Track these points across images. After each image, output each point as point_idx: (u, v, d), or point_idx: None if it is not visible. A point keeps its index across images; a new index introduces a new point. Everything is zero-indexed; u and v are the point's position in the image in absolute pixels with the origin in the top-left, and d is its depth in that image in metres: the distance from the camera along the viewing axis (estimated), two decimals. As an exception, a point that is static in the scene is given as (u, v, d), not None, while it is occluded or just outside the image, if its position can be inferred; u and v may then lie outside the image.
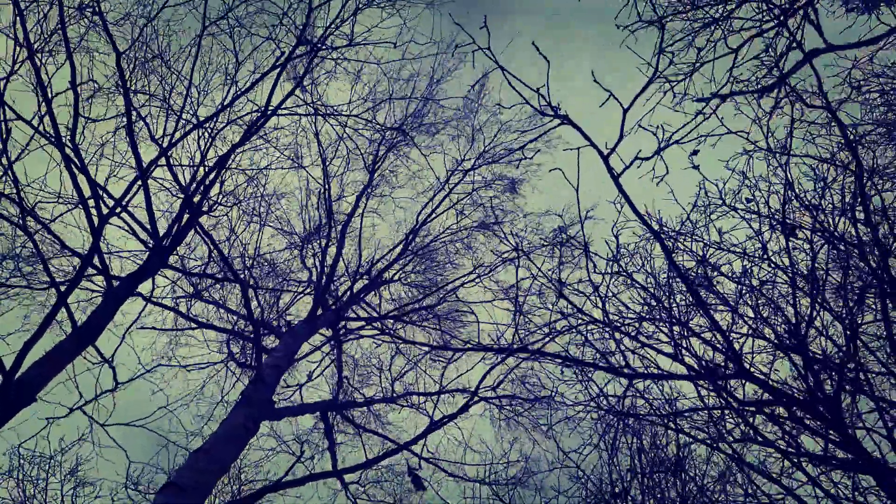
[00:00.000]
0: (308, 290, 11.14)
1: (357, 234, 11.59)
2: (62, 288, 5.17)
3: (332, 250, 10.79)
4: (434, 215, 11.31)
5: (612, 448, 5.35)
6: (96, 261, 5.60)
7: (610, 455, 5.49)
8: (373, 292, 11.34)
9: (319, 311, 9.96)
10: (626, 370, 4.84)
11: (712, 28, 5.09)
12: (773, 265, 4.40)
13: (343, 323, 10.45)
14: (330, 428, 9.18)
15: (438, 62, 10.18)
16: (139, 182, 6.08)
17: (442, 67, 10.56)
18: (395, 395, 10.40)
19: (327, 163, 10.98)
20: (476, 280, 10.71)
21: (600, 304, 4.81)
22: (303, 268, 11.15)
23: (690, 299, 4.45)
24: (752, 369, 4.24)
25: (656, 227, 4.58)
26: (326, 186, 10.92)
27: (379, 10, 7.15)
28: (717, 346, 4.39)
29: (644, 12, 5.23)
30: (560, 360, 4.94)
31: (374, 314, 11.00)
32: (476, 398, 7.45)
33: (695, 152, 4.34)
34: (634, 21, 4.99)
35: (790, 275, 4.24)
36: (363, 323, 10.66)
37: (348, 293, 10.90)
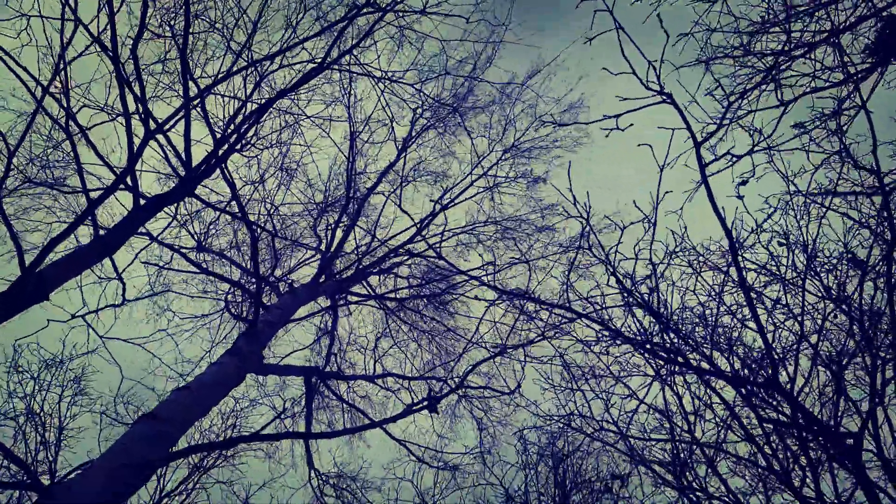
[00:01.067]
0: (315, 258, 11.15)
1: (373, 212, 11.63)
2: (93, 195, 5.17)
3: (345, 223, 10.81)
4: (453, 203, 11.31)
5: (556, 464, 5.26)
6: (129, 179, 5.61)
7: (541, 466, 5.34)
8: (378, 272, 11.34)
9: (322, 280, 9.97)
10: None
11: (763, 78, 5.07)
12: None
13: (343, 295, 10.46)
14: (311, 392, 9.17)
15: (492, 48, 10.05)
16: (182, 111, 6.09)
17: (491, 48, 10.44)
18: (376, 374, 10.41)
19: (357, 136, 10.99)
20: (485, 276, 10.73)
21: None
22: (313, 235, 11.16)
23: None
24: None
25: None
26: (352, 159, 10.93)
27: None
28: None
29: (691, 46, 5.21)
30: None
31: (374, 293, 11.00)
32: (452, 390, 7.47)
33: (744, 182, 4.35)
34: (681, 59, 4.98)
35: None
36: (361, 299, 10.66)
37: (355, 267, 10.91)
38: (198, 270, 9.75)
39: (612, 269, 4.39)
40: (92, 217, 5.31)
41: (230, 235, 9.80)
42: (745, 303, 4.20)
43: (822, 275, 4.21)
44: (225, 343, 10.33)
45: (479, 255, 11.78)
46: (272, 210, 9.89)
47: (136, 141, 5.43)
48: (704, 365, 4.04)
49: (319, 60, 6.32)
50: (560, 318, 4.56)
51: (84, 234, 7.75)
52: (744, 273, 4.00)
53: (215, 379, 7.56)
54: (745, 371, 3.97)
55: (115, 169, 5.47)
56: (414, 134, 11.15)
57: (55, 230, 7.35)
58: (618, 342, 4.36)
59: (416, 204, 14.20)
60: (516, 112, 11.46)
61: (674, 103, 4.32)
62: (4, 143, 4.92)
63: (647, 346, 4.15)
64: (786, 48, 4.76)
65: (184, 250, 9.46)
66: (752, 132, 4.45)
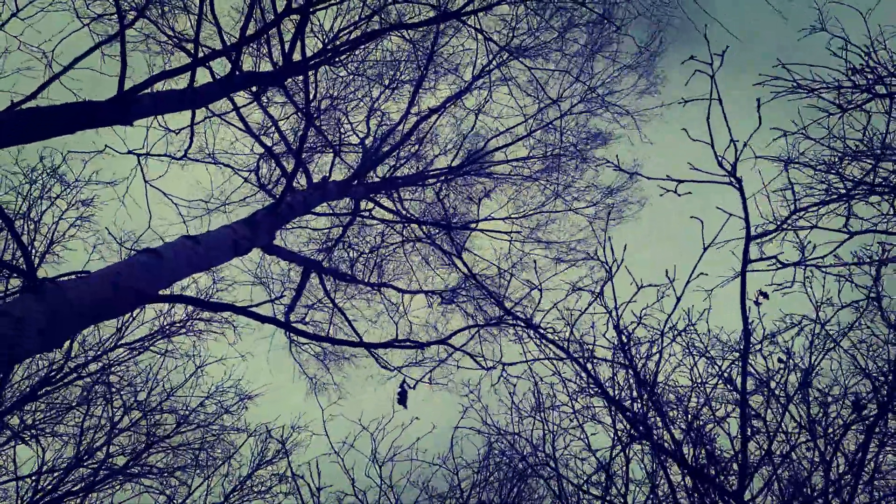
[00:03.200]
0: (357, 152, 11.20)
1: (427, 130, 11.54)
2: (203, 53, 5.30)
3: (398, 135, 10.78)
4: (505, 153, 11.25)
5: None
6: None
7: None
8: (412, 188, 11.42)
9: (356, 183, 10.08)
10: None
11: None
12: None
13: (370, 205, 10.59)
14: (303, 285, 9.47)
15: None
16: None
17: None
18: (375, 282, 10.70)
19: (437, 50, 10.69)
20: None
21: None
22: (365, 131, 11.14)
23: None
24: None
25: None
26: (424, 72, 10.72)
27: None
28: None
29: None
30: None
31: (401, 209, 11.11)
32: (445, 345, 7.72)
33: (764, 295, 4.34)
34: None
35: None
36: (385, 214, 10.80)
37: (389, 174, 10.97)
38: (245, 130, 9.83)
39: (616, 323, 4.49)
40: (193, 68, 5.42)
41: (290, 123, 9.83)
42: (736, 403, 4.30)
43: (808, 403, 4.30)
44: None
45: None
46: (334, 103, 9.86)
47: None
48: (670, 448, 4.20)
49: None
50: (550, 351, 4.70)
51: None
52: (746, 380, 4.10)
53: (224, 240, 7.73)
54: (712, 469, 4.11)
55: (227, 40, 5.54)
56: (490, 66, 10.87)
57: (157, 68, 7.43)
58: (594, 390, 4.52)
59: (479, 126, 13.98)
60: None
61: (741, 191, 4.28)
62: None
63: (624, 410, 4.31)
64: (869, 179, 4.65)
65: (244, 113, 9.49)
66: (802, 247, 4.42)
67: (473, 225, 11.64)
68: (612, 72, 10.92)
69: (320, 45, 6.72)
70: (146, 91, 5.41)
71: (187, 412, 9.69)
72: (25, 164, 8.00)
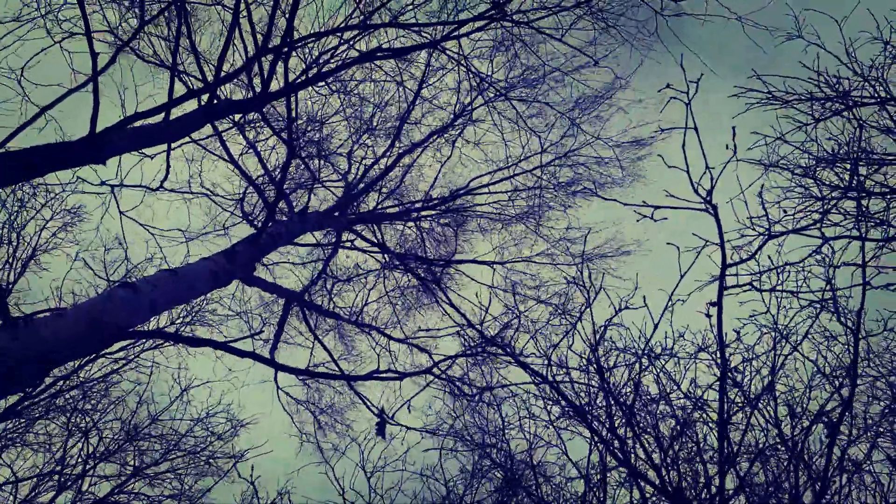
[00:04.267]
0: (339, 184, 11.23)
1: (409, 164, 11.63)
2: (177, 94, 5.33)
3: (380, 167, 10.84)
4: (488, 189, 11.32)
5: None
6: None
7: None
8: (393, 223, 11.44)
9: (336, 214, 10.08)
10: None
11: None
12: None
13: (352, 236, 10.58)
14: (284, 320, 9.38)
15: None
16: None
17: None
18: (358, 321, 10.60)
19: (425, 85, 10.84)
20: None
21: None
22: (346, 165, 11.19)
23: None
24: None
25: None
26: (411, 108, 10.85)
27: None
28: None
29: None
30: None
31: (383, 242, 11.11)
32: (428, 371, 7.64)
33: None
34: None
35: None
36: (367, 246, 10.79)
37: (374, 209, 10.99)
38: (228, 159, 9.82)
39: (593, 347, 4.49)
40: (167, 106, 5.42)
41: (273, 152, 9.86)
42: (715, 425, 4.29)
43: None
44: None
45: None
46: (320, 138, 9.90)
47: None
48: (646, 471, 4.17)
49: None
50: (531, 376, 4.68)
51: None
52: (726, 407, 4.09)
53: (203, 272, 7.62)
54: (691, 494, 4.08)
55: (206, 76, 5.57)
56: (473, 105, 11.03)
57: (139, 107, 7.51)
58: (570, 413, 4.50)
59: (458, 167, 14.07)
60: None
61: (717, 218, 4.30)
62: None
63: (602, 439, 4.28)
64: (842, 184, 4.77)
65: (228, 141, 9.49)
66: (781, 271, 4.46)
67: (456, 260, 11.67)
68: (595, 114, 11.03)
69: (303, 66, 6.77)
70: (121, 128, 5.39)
71: (176, 437, 9.45)
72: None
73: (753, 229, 4.66)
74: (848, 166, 5.06)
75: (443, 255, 11.59)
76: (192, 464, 9.46)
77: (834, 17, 5.04)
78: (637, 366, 4.44)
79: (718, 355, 4.22)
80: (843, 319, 4.47)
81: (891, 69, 4.88)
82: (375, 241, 10.95)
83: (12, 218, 8.21)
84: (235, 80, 7.90)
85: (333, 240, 10.40)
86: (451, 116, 11.26)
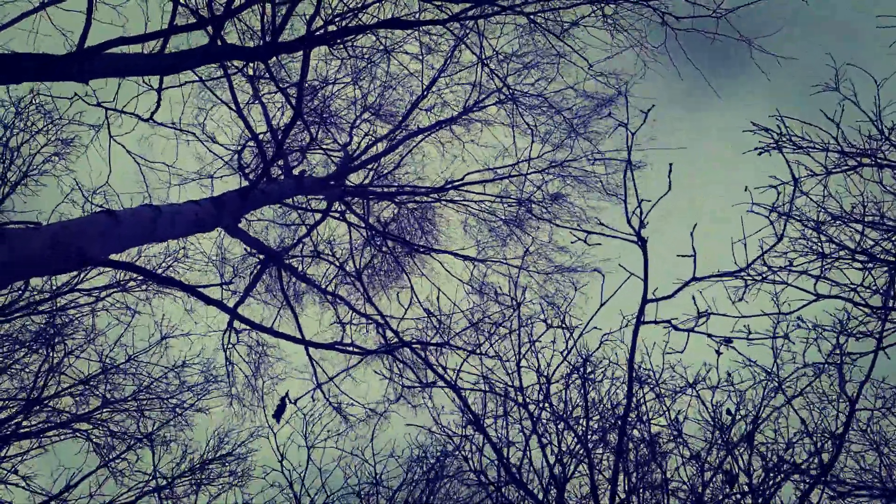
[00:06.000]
0: (337, 154, 11.20)
1: (410, 148, 11.64)
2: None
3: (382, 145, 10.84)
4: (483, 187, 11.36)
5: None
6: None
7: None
8: (383, 202, 11.45)
9: (332, 183, 10.06)
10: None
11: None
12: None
13: (342, 206, 10.58)
14: (258, 277, 9.36)
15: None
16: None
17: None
18: (330, 291, 10.60)
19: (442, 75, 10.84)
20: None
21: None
22: (348, 137, 11.17)
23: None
24: None
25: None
26: (425, 92, 10.84)
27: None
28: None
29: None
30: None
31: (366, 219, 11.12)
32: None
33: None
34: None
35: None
36: (356, 219, 10.80)
37: (368, 184, 10.99)
38: (233, 109, 9.73)
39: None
40: (166, 33, 5.30)
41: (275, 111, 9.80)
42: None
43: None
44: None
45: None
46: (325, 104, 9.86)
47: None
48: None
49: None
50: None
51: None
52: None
53: (187, 214, 7.54)
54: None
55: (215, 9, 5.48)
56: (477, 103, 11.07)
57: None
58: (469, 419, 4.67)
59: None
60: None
61: (644, 252, 4.31)
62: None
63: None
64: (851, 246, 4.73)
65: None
66: (701, 311, 4.42)
67: (437, 249, 11.71)
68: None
69: (321, 22, 6.68)
70: (104, 49, 5.23)
71: (149, 380, 9.43)
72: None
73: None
74: (859, 227, 4.92)
75: (424, 244, 11.63)
76: (160, 409, 9.49)
77: (873, 76, 4.76)
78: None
79: (626, 387, 4.34)
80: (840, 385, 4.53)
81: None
82: (363, 216, 10.95)
83: (6, 135, 8.11)
84: (245, 24, 7.71)
85: (324, 206, 10.38)
86: (461, 110, 11.29)
